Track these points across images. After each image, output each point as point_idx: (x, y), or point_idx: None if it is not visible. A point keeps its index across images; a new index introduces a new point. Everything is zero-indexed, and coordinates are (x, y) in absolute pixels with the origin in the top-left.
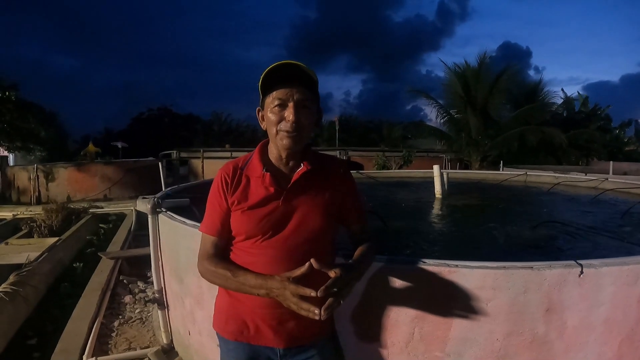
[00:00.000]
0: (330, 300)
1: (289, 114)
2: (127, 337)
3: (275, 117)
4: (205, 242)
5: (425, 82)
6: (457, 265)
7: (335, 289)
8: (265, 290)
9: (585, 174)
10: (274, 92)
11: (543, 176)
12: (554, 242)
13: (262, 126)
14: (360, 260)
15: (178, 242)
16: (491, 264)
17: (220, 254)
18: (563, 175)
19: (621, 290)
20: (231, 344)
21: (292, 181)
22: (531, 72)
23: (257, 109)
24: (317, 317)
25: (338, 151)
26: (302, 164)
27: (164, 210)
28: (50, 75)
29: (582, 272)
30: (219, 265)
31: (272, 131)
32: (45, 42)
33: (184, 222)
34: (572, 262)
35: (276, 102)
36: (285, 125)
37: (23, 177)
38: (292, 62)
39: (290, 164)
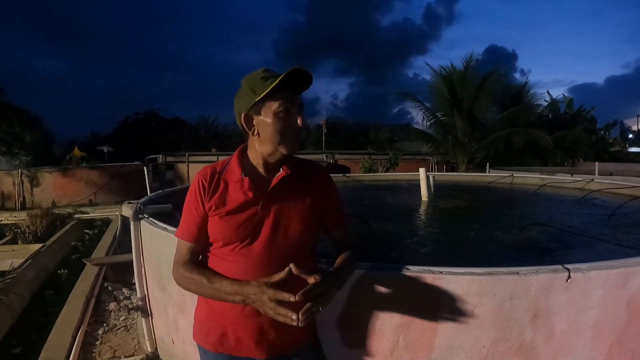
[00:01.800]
0: (308, 305)
1: (298, 120)
2: (111, 346)
3: (281, 124)
4: (181, 248)
5: (412, 85)
6: (441, 272)
7: (314, 295)
8: (241, 297)
9: (571, 175)
10: (279, 98)
11: (529, 178)
12: (542, 245)
13: (249, 132)
14: (341, 268)
15: (159, 248)
16: (476, 270)
17: (196, 260)
18: (549, 176)
19: (610, 293)
20: (212, 355)
21: (271, 186)
22: (517, 75)
23: (243, 115)
24: (294, 323)
25: (325, 154)
26: (281, 169)
27: (145, 216)
28: (36, 78)
29: (569, 277)
30: (194, 271)
31: (275, 138)
32: (31, 44)
33: (165, 229)
34: (559, 266)
35: (281, 107)
36: (292, 132)
37: (7, 182)
38: (300, 68)
39: (270, 169)
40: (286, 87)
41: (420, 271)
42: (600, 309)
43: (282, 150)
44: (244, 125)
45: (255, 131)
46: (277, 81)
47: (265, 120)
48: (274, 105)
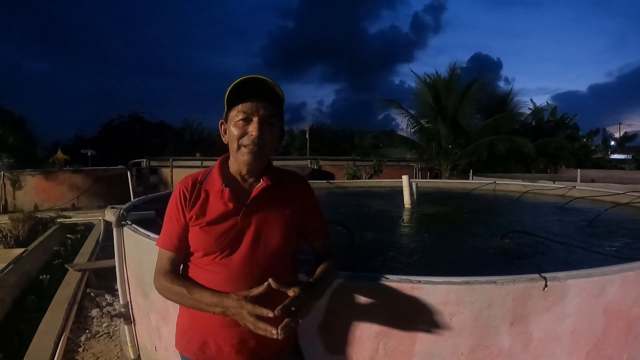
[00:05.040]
0: (287, 320)
1: (253, 129)
2: (94, 352)
3: (238, 132)
4: (161, 258)
5: (398, 92)
6: (420, 281)
7: (293, 308)
8: (221, 309)
9: (554, 182)
10: (239, 106)
11: (512, 185)
12: (522, 253)
13: (223, 140)
14: (321, 278)
15: (142, 256)
16: (454, 279)
17: (177, 269)
18: (531, 183)
19: (586, 301)
20: None
21: (251, 197)
22: (501, 83)
23: (220, 122)
24: (274, 337)
25: (309, 160)
26: (261, 180)
27: (129, 222)
28: (19, 79)
29: (546, 286)
30: (175, 282)
31: (233, 145)
32: (15, 45)
33: (147, 236)
34: (536, 275)
35: (240, 116)
36: (247, 140)
37: None
38: (260, 77)
39: (250, 179)
40: (248, 96)
41: (399, 280)
42: (577, 317)
43: (239, 159)
44: (221, 132)
45: (226, 139)
46: (229, 89)
47: (229, 128)
48: (234, 114)
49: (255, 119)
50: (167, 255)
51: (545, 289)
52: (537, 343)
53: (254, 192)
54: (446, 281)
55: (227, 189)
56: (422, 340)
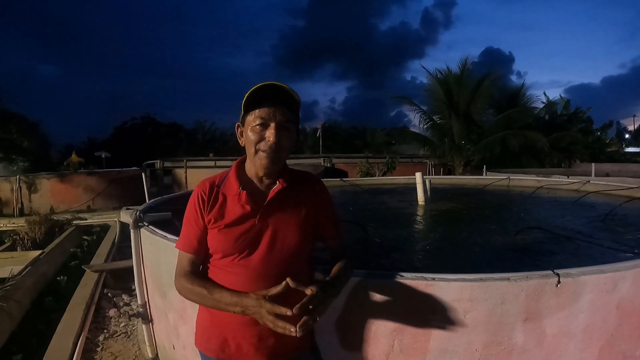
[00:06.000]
0: (305, 318)
1: (270, 134)
2: (112, 352)
3: (256, 136)
4: (181, 260)
5: (409, 89)
6: (434, 279)
7: (310, 307)
8: (241, 308)
9: (568, 177)
10: (257, 111)
11: (526, 180)
12: (536, 249)
13: (240, 142)
14: (337, 277)
15: (160, 256)
16: (468, 276)
17: (197, 271)
18: (545, 178)
19: (599, 297)
20: None
21: (267, 199)
22: (513, 77)
23: (236, 125)
24: (293, 334)
25: (322, 158)
26: (277, 182)
27: (145, 224)
28: (32, 83)
29: (559, 282)
30: (195, 283)
31: (251, 150)
32: (28, 50)
33: (165, 237)
34: (549, 272)
35: (258, 121)
36: (265, 145)
37: (5, 188)
38: (277, 83)
39: (267, 181)
40: (265, 101)
41: (414, 278)
42: (590, 313)
43: (257, 163)
44: (237, 135)
45: (242, 142)
46: (246, 95)
47: (246, 132)
48: (251, 119)
49: (272, 125)
50: (187, 257)
51: (558, 285)
52: (550, 339)
53: (271, 194)
54: (460, 278)
55: (244, 191)
56: (436, 336)
